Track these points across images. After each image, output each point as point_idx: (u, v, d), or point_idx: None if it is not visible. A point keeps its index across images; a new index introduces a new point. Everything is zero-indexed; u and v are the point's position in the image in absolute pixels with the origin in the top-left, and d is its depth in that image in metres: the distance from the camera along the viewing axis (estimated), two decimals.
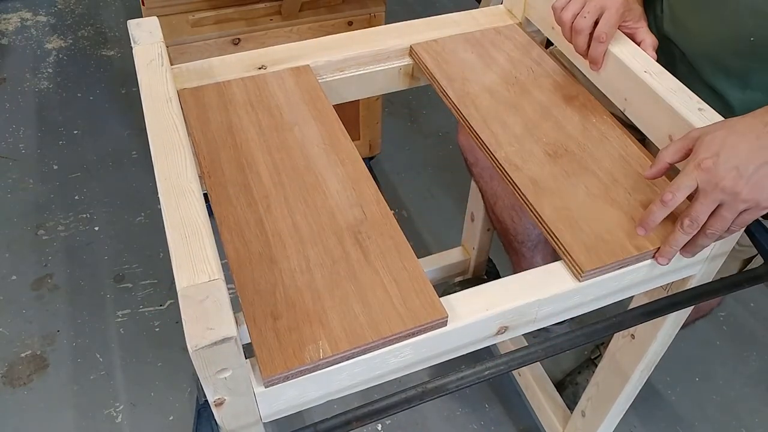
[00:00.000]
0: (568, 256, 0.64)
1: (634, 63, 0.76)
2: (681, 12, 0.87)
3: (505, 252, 1.23)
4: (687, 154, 0.64)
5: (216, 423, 0.56)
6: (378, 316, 0.57)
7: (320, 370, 0.55)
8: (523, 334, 0.85)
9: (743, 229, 0.65)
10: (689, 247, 0.64)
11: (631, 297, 0.76)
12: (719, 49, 0.83)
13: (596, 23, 0.78)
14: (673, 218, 0.65)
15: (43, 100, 2.06)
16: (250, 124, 0.76)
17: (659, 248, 0.65)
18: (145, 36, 0.78)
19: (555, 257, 0.66)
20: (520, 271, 0.65)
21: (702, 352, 1.45)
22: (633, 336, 0.89)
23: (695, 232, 0.63)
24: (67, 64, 2.21)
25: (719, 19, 0.80)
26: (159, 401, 1.33)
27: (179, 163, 0.63)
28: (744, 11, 0.77)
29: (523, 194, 0.70)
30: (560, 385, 1.33)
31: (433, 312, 0.58)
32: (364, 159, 0.89)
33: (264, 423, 0.59)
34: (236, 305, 0.55)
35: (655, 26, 0.92)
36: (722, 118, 0.68)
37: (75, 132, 1.95)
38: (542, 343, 0.62)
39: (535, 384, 1.25)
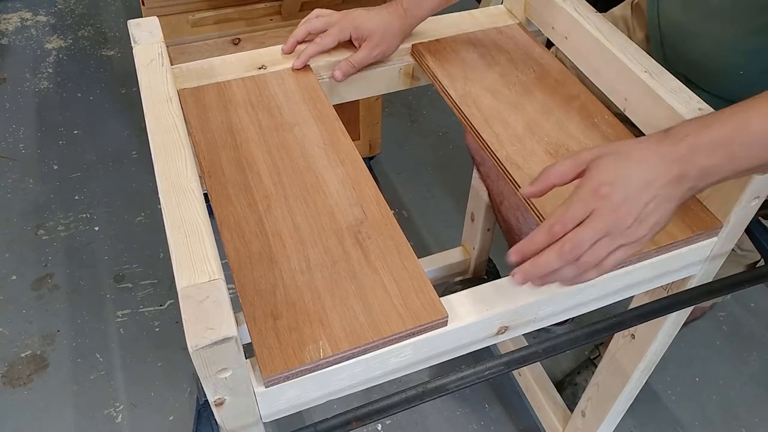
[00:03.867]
0: None
1: (634, 63, 0.76)
2: (673, 41, 0.87)
3: None
4: (576, 177, 0.58)
5: (216, 423, 0.56)
6: (378, 316, 0.57)
7: (320, 370, 0.55)
8: (523, 334, 0.85)
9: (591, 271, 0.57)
10: (548, 276, 0.57)
11: (631, 297, 0.76)
12: (716, 79, 0.83)
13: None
14: None
15: (43, 100, 2.05)
16: (250, 124, 0.76)
17: (520, 265, 0.57)
18: (145, 36, 0.78)
19: None
20: None
21: (702, 352, 1.45)
22: (633, 336, 0.89)
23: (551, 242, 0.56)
24: (67, 64, 2.20)
25: (708, 54, 0.81)
26: (159, 401, 1.33)
27: (179, 163, 0.63)
28: (725, 49, 0.77)
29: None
30: (560, 385, 1.33)
31: (433, 312, 0.58)
32: (364, 159, 0.89)
33: (264, 423, 0.59)
34: (236, 305, 0.55)
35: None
36: None
37: (75, 132, 1.95)
38: (542, 343, 0.62)
39: (535, 384, 1.25)
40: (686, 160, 0.55)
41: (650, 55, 0.77)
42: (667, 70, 0.80)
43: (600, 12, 0.85)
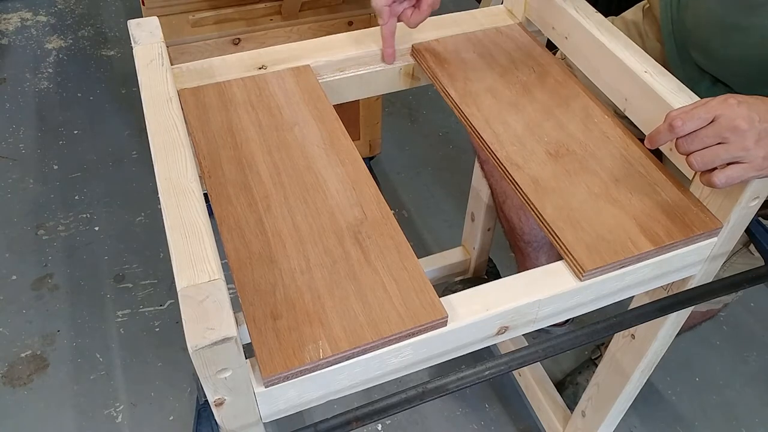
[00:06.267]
0: (570, 256, 0.64)
1: (634, 63, 0.76)
2: (705, 41, 0.86)
3: (511, 251, 1.23)
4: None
5: (216, 423, 0.56)
6: (378, 316, 0.57)
7: (320, 370, 0.55)
8: (523, 335, 0.85)
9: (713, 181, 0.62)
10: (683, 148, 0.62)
11: (632, 297, 0.76)
12: (745, 76, 0.83)
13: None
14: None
15: (43, 100, 2.05)
16: (250, 124, 0.76)
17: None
18: (146, 36, 0.78)
19: (559, 258, 0.66)
20: (524, 271, 0.64)
21: (702, 352, 1.45)
22: (633, 336, 0.89)
23: (674, 138, 0.61)
24: (67, 64, 2.20)
25: (741, 48, 0.80)
26: (159, 401, 1.33)
27: (179, 163, 0.63)
28: (757, 42, 0.76)
29: (524, 193, 0.70)
30: (560, 385, 1.33)
31: (433, 312, 0.58)
32: (364, 159, 0.89)
33: (264, 423, 0.59)
34: (236, 305, 0.55)
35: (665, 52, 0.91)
36: None
37: (75, 132, 1.95)
38: (542, 343, 0.62)
39: (535, 384, 1.25)
40: None
41: (665, 59, 0.75)
42: (685, 73, 0.79)
43: (600, 12, 0.85)
